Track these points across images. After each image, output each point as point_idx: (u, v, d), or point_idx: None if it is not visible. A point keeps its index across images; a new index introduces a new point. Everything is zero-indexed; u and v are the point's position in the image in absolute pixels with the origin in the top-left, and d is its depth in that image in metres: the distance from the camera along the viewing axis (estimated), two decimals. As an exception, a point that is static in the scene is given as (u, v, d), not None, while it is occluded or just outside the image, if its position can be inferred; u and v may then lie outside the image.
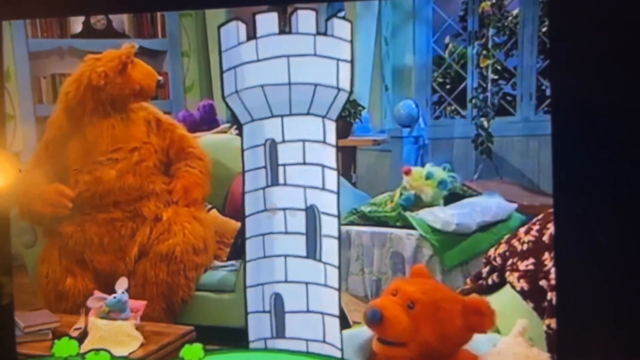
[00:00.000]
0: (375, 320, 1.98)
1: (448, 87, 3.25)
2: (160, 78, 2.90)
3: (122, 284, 2.52)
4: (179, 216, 2.86)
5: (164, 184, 2.91)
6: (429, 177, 2.80)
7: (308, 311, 2.25)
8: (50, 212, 2.81)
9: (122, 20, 3.56)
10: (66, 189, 2.81)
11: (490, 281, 2.33)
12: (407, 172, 2.84)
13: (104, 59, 2.80)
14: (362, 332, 2.16)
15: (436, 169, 2.83)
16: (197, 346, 2.26)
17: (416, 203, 2.83)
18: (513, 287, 2.22)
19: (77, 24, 3.46)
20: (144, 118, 2.91)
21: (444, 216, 2.74)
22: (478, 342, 2.04)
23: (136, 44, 2.88)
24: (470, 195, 2.84)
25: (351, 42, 2.23)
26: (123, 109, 2.85)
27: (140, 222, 2.84)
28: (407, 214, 2.79)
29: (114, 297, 2.48)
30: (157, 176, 2.89)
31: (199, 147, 3.00)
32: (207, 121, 3.27)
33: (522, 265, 2.20)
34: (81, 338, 2.43)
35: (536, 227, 2.24)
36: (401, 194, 2.86)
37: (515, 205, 2.72)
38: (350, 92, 2.24)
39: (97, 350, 2.32)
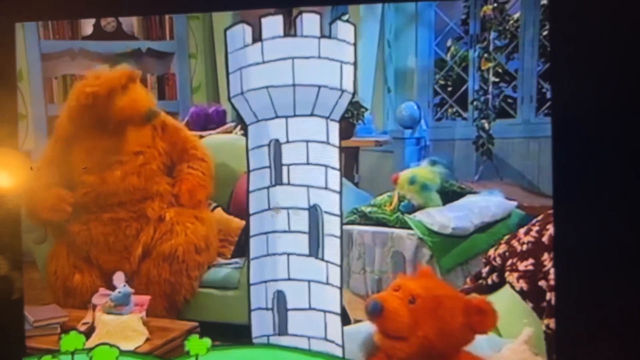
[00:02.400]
0: (376, 312, 1.98)
1: (450, 89, 3.23)
2: (153, 109, 2.83)
3: (119, 278, 2.50)
4: (181, 216, 2.84)
5: (168, 184, 2.87)
6: (412, 182, 2.79)
7: (310, 309, 2.22)
8: (52, 216, 2.80)
9: (131, 23, 3.54)
10: (66, 194, 2.79)
11: (490, 281, 2.31)
12: (395, 180, 2.83)
13: (100, 77, 2.76)
14: (363, 327, 2.14)
15: (421, 170, 2.81)
16: (205, 340, 2.20)
17: (415, 209, 2.81)
18: (512, 287, 2.19)
19: (88, 26, 3.45)
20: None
21: (440, 219, 2.72)
22: (480, 344, 2.02)
23: (139, 72, 2.84)
24: (470, 193, 2.82)
25: (355, 44, 2.20)
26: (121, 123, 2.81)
27: (145, 222, 2.81)
28: (406, 216, 2.78)
29: (118, 292, 2.47)
30: (161, 177, 2.86)
31: (201, 149, 2.96)
32: (217, 124, 3.26)
33: (521, 266, 2.18)
34: (89, 333, 2.41)
35: (536, 228, 2.21)
36: (401, 201, 2.84)
37: (515, 203, 2.70)
38: (354, 94, 2.21)
39: (104, 344, 2.26)
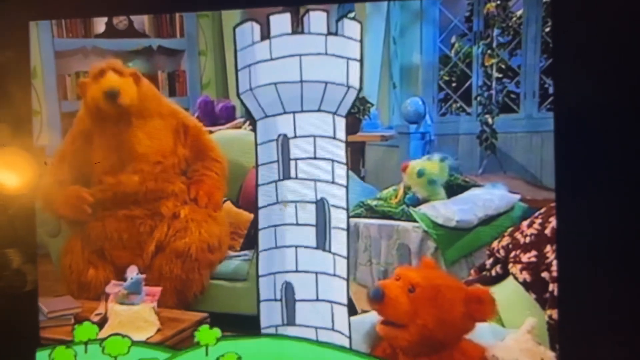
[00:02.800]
0: (377, 297, 2.01)
1: (454, 85, 3.21)
2: (109, 91, 2.74)
3: (132, 270, 2.52)
4: (196, 214, 2.84)
5: (182, 184, 2.88)
6: (420, 175, 2.78)
7: (318, 300, 2.23)
8: (70, 215, 2.81)
9: (142, 21, 3.53)
10: (86, 195, 2.79)
11: (494, 272, 2.31)
12: (405, 169, 2.82)
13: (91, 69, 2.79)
14: (368, 318, 2.16)
15: (430, 164, 2.80)
16: (215, 330, 2.25)
17: (420, 202, 2.81)
18: (516, 278, 2.19)
19: (100, 24, 3.43)
20: (174, 127, 2.87)
21: (445, 212, 2.71)
22: (483, 334, 2.03)
23: (136, 67, 2.88)
24: (474, 186, 2.82)
25: (361, 41, 2.21)
26: (139, 117, 2.81)
27: (159, 219, 2.81)
28: (411, 209, 2.77)
29: (131, 279, 2.48)
30: (176, 178, 2.86)
31: (216, 150, 2.96)
32: (226, 119, 3.25)
33: (524, 258, 2.18)
34: (101, 323, 2.41)
35: (538, 221, 2.21)
36: (406, 193, 2.84)
37: (518, 196, 2.70)
38: (360, 90, 2.21)
39: (117, 335, 2.30)
